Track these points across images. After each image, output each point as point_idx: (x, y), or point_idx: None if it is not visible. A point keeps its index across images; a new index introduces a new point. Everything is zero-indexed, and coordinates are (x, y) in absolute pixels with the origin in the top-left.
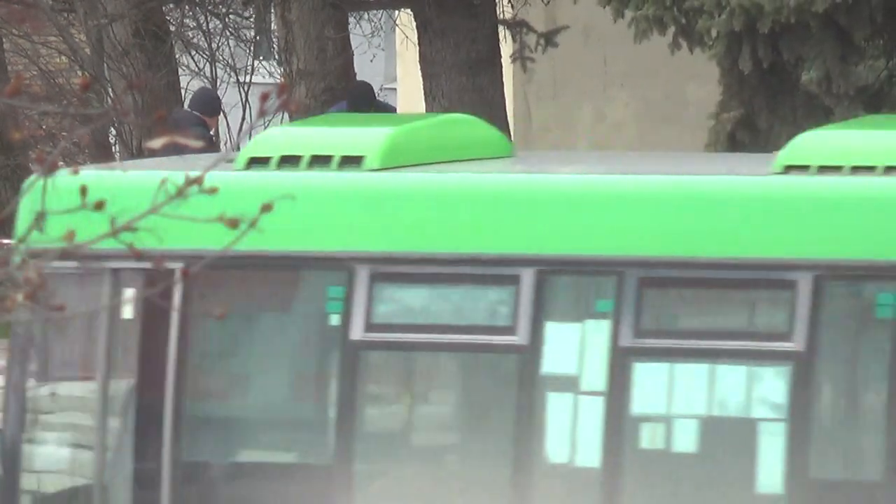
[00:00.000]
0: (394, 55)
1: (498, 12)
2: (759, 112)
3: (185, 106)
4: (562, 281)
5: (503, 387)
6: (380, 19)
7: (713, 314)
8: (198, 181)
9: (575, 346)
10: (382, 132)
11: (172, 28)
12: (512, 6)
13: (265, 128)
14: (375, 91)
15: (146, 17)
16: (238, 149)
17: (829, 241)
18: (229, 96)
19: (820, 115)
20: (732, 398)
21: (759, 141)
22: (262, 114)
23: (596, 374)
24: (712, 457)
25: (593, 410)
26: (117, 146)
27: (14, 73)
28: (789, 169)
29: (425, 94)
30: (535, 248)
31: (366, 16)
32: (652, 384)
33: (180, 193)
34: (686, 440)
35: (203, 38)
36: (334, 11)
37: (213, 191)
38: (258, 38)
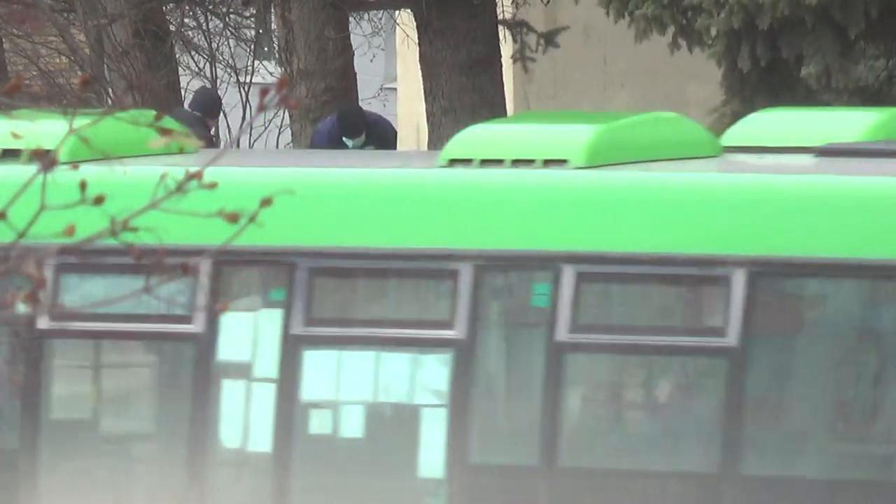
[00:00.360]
0: (394, 55)
1: (498, 12)
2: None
3: (186, 106)
4: (237, 270)
5: (181, 374)
6: (380, 19)
7: (381, 303)
8: (197, 176)
9: (249, 335)
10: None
11: (172, 28)
12: (517, 6)
13: (265, 125)
14: (376, 89)
15: (146, 17)
16: (237, 147)
17: (488, 232)
18: (229, 96)
19: None
20: (398, 385)
21: None
22: (261, 109)
23: (269, 362)
24: (378, 442)
25: (266, 397)
26: None
27: (14, 73)
28: (453, 162)
29: (425, 94)
30: (210, 239)
31: (366, 16)
32: (322, 371)
33: (179, 188)
34: (354, 426)
35: (203, 38)
36: (334, 11)
37: (212, 185)
38: (260, 33)
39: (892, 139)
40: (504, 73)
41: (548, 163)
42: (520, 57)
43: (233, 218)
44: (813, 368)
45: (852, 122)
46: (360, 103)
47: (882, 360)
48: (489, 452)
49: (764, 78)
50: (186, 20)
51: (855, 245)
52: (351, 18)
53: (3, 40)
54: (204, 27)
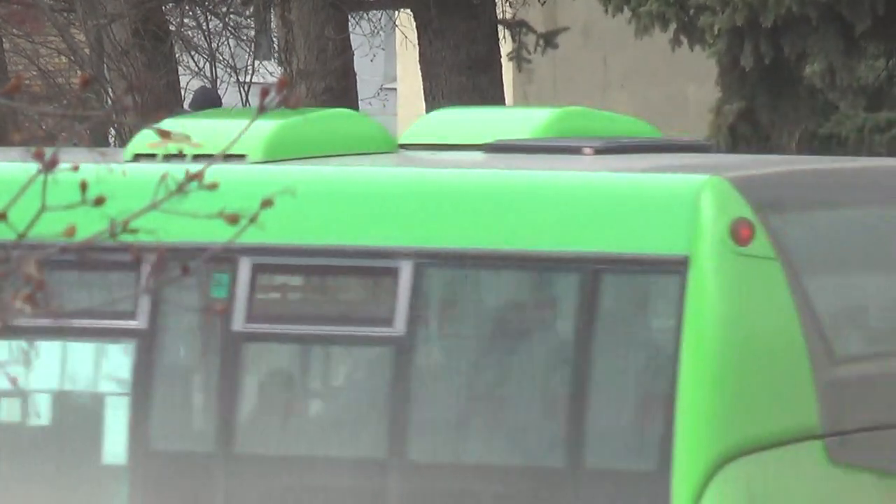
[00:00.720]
0: (394, 55)
1: (497, 12)
2: (762, 108)
3: (185, 106)
4: None
5: None
6: (379, 19)
7: (67, 294)
8: (198, 176)
9: None
10: None
11: (172, 28)
12: (510, 5)
13: None
14: (376, 89)
15: (146, 17)
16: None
17: (171, 225)
18: (229, 96)
19: (823, 111)
20: (84, 374)
21: (760, 135)
22: (262, 109)
23: None
24: (65, 430)
25: None
26: (117, 146)
27: (14, 73)
28: (138, 157)
29: (425, 94)
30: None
31: (366, 16)
32: (10, 360)
33: (180, 189)
34: (41, 414)
35: (203, 38)
36: (334, 11)
37: (213, 186)
38: (259, 33)
39: (559, 136)
40: (504, 73)
41: (228, 157)
42: (515, 56)
43: (233, 219)
44: (477, 358)
45: (523, 121)
46: (360, 103)
47: (545, 349)
48: (170, 439)
49: (765, 77)
50: (186, 20)
51: (519, 237)
52: (351, 18)
53: (3, 40)
54: (204, 27)
